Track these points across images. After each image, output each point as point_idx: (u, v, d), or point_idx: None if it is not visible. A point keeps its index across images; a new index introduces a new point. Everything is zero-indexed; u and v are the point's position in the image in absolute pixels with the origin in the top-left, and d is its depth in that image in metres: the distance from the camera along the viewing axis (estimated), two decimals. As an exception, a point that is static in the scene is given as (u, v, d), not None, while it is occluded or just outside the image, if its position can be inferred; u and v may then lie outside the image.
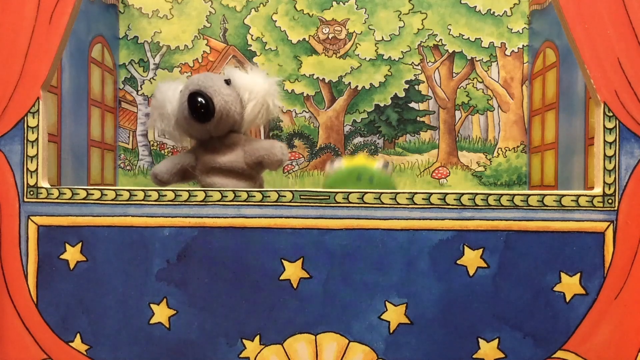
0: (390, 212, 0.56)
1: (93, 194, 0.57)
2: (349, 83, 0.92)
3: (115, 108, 0.92)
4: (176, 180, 0.75)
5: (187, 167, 0.74)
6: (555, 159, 0.82)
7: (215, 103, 0.69)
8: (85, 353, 0.57)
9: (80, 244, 0.57)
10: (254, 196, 0.56)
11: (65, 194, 0.57)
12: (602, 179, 0.55)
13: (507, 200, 0.55)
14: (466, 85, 0.92)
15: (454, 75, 0.92)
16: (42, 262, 0.57)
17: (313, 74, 0.92)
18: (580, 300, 0.55)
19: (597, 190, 0.55)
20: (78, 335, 0.57)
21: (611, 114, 0.55)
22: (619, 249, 0.55)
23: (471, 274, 0.55)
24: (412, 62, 0.92)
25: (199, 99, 0.69)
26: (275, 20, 0.92)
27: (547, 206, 0.55)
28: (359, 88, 0.92)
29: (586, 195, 0.55)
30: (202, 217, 0.56)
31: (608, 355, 0.55)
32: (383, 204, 0.56)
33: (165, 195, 0.57)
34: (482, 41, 0.91)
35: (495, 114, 0.92)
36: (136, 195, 0.57)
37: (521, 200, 0.55)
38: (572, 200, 0.55)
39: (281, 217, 0.56)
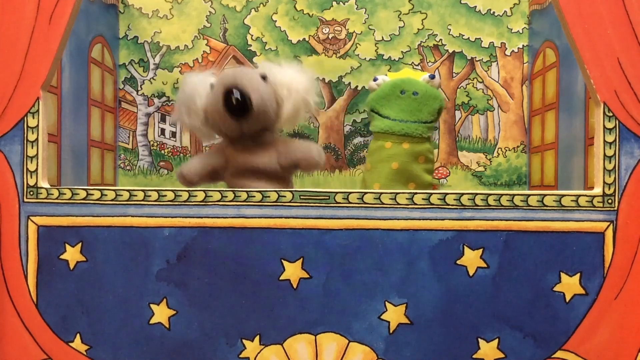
0: (390, 212, 0.56)
1: (93, 194, 0.57)
2: (349, 83, 0.92)
3: (115, 108, 0.92)
4: (204, 182, 0.71)
5: (218, 168, 0.71)
6: (555, 159, 0.82)
7: (252, 99, 0.66)
8: (85, 353, 0.57)
9: (80, 244, 0.57)
10: (254, 196, 0.56)
11: (65, 194, 0.57)
12: (602, 179, 0.55)
13: (507, 200, 0.55)
14: (466, 85, 0.92)
15: (454, 75, 0.92)
16: (42, 262, 0.57)
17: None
18: (580, 300, 0.55)
19: (597, 190, 0.55)
20: (78, 335, 0.57)
21: (611, 114, 0.55)
22: (619, 249, 0.55)
23: (471, 274, 0.55)
24: (412, 62, 0.92)
25: (235, 94, 0.66)
26: (275, 20, 0.92)
27: (547, 206, 0.55)
28: (359, 88, 0.92)
29: (586, 195, 0.55)
30: (202, 217, 0.56)
31: (608, 355, 0.55)
32: (383, 204, 0.56)
33: (165, 196, 0.57)
34: (482, 41, 0.91)
35: (495, 114, 0.92)
36: (136, 196, 0.57)
37: (521, 200, 0.55)
38: (572, 200, 0.55)
39: (281, 217, 0.56)
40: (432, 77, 0.73)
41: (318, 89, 0.73)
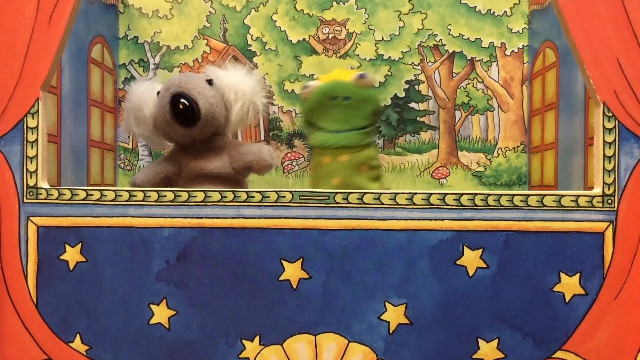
0: (389, 212, 0.56)
1: (93, 195, 0.57)
2: (349, 83, 0.92)
3: (115, 108, 0.92)
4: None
5: (170, 175, 0.70)
6: (555, 159, 0.82)
7: (200, 106, 0.66)
8: (85, 353, 0.57)
9: (80, 245, 0.57)
10: (254, 197, 0.56)
11: (64, 194, 0.57)
12: (601, 179, 0.55)
13: (507, 200, 0.55)
14: (466, 85, 0.92)
15: (454, 75, 0.92)
16: (42, 262, 0.57)
17: (313, 74, 0.92)
18: (580, 301, 0.55)
19: (597, 190, 0.55)
20: (78, 335, 0.57)
21: (610, 114, 0.55)
22: (619, 249, 0.55)
23: (471, 274, 0.55)
24: (412, 62, 0.92)
25: (182, 102, 0.65)
26: (275, 20, 0.92)
27: (546, 206, 0.55)
28: (359, 88, 0.92)
29: (586, 196, 0.55)
30: (201, 218, 0.56)
31: (608, 355, 0.55)
32: (382, 204, 0.56)
33: (165, 196, 0.57)
34: (482, 41, 0.91)
35: (495, 114, 0.92)
36: (136, 196, 0.57)
37: (521, 201, 0.55)
38: (571, 201, 0.55)
39: (281, 218, 0.56)
40: (362, 76, 0.67)
41: (265, 91, 0.73)
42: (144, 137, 0.72)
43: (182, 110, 0.65)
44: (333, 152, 0.67)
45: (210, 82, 0.69)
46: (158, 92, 0.69)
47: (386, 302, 0.56)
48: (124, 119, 0.73)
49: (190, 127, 0.67)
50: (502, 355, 0.55)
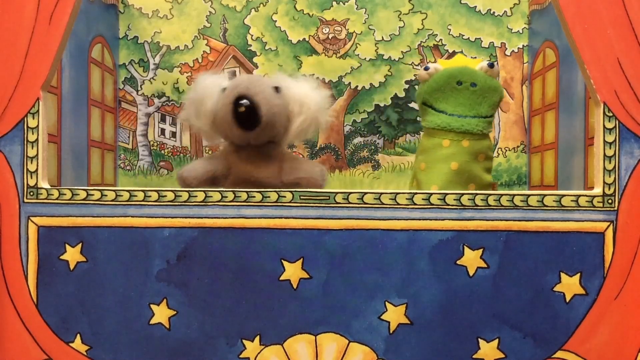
0: (390, 212, 0.56)
1: (93, 195, 0.57)
2: (349, 83, 0.92)
3: (115, 108, 0.92)
4: (203, 187, 0.69)
5: (218, 175, 0.69)
6: (555, 159, 0.82)
7: (262, 112, 0.64)
8: (85, 353, 0.57)
9: (80, 245, 0.57)
10: (254, 197, 0.56)
11: (65, 194, 0.57)
12: (602, 179, 0.55)
13: (507, 200, 0.55)
14: (466, 85, 0.92)
15: (454, 75, 0.92)
16: (42, 262, 0.57)
17: (313, 74, 0.92)
18: (580, 301, 0.55)
19: (597, 190, 0.55)
20: (78, 335, 0.57)
21: (611, 114, 0.55)
22: (619, 249, 0.55)
23: (471, 274, 0.55)
24: (412, 62, 0.92)
25: (246, 104, 0.64)
26: (275, 20, 0.92)
27: (546, 206, 0.55)
28: (359, 88, 0.92)
29: (586, 196, 0.55)
30: (202, 218, 0.56)
31: (608, 355, 0.55)
32: (383, 204, 0.56)
33: (165, 196, 0.57)
34: (482, 41, 0.91)
35: (495, 114, 0.92)
36: (136, 196, 0.57)
37: (521, 201, 0.55)
38: (571, 201, 0.55)
39: (281, 218, 0.56)
40: (492, 65, 0.66)
41: (330, 108, 0.71)
42: (201, 130, 0.71)
43: (244, 113, 0.64)
44: (455, 136, 0.66)
45: (277, 89, 0.68)
46: (223, 89, 0.68)
47: (386, 302, 0.56)
48: (185, 108, 0.72)
49: (248, 131, 0.66)
50: (503, 355, 0.55)
